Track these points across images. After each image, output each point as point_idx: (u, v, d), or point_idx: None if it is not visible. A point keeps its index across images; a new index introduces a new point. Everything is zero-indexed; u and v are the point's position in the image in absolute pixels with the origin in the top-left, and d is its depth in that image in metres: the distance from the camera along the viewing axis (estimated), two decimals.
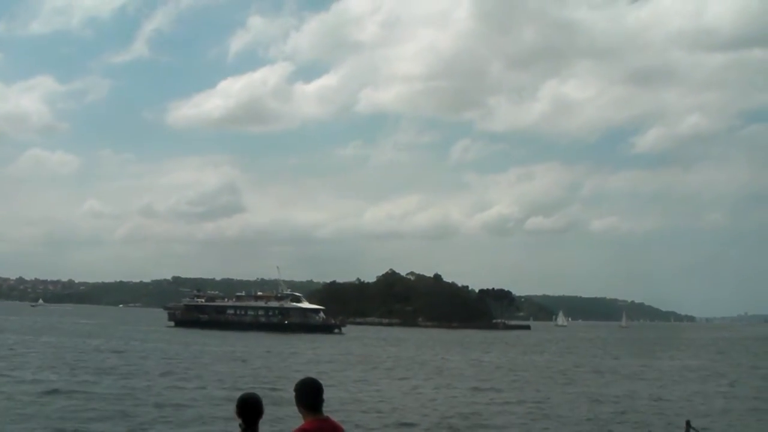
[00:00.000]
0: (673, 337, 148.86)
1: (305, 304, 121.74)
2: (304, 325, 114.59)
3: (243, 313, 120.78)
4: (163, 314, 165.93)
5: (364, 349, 76.65)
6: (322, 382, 5.58)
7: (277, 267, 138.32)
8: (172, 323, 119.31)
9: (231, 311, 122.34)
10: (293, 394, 5.50)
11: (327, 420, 5.44)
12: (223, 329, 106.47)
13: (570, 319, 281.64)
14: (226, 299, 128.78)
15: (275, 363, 51.36)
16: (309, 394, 5.44)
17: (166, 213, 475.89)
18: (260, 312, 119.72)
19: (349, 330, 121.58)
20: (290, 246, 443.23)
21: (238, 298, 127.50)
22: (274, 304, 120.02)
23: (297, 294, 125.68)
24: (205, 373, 41.49)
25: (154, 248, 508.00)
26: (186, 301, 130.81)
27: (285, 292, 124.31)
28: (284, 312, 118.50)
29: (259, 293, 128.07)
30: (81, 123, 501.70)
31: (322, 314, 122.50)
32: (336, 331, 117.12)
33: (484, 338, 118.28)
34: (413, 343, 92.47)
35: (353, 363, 54.67)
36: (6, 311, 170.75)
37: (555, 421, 27.32)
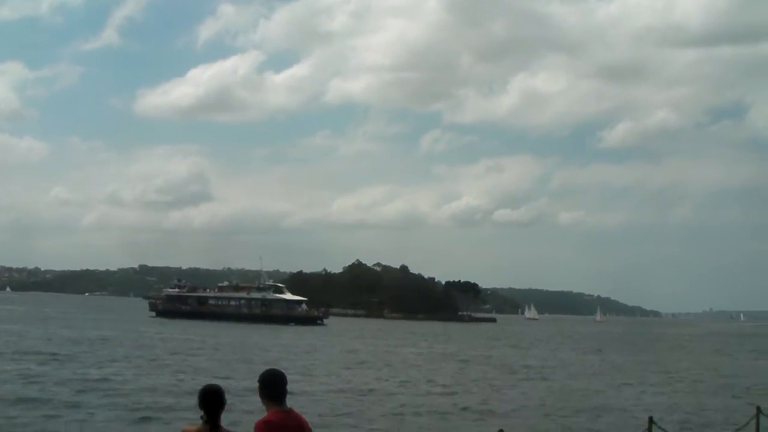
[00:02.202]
0: (650, 332, 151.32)
1: (288, 296, 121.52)
2: (287, 316, 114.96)
3: (225, 303, 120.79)
4: (137, 302, 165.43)
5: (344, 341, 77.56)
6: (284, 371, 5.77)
7: (260, 257, 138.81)
8: (153, 313, 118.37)
9: (213, 302, 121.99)
10: (257, 385, 5.62)
11: (290, 412, 5.54)
12: (204, 320, 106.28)
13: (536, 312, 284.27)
14: (207, 289, 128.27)
15: (263, 355, 51.14)
16: (272, 386, 5.55)
17: (133, 201, 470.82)
18: (242, 303, 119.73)
19: (330, 322, 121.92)
20: (257, 236, 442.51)
21: (220, 288, 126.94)
22: (256, 294, 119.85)
23: (279, 285, 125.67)
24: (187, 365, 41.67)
25: (120, 237, 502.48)
26: (167, 291, 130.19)
27: (267, 283, 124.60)
28: (267, 303, 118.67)
29: (241, 284, 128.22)
30: (50, 110, 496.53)
31: (304, 305, 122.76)
32: (319, 322, 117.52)
33: (467, 331, 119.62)
34: (412, 335, 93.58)
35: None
36: None
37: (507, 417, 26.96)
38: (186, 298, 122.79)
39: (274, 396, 5.54)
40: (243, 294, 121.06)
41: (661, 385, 41.12)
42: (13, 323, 77.39)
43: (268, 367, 5.96)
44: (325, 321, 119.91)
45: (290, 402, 5.71)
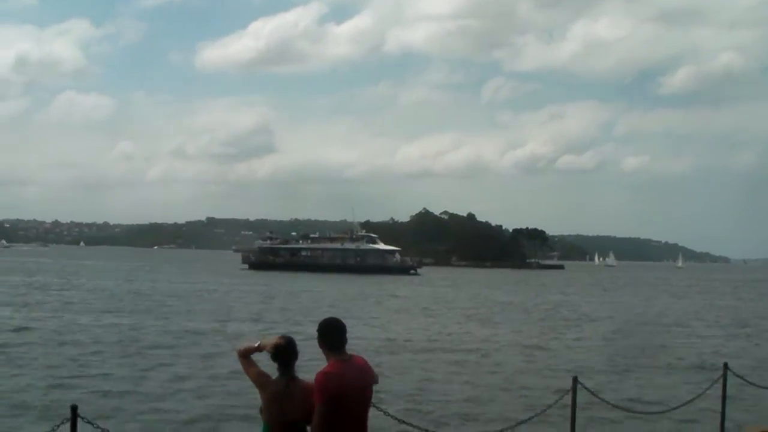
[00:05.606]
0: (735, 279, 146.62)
1: (381, 246, 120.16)
2: (381, 266, 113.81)
3: (319, 254, 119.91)
4: (219, 255, 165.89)
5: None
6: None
7: (352, 207, 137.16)
8: (246, 266, 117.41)
9: (305, 253, 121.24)
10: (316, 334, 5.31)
11: (351, 360, 5.30)
12: (298, 271, 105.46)
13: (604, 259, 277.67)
14: (300, 241, 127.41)
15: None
16: (331, 334, 5.32)
17: (198, 154, 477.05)
18: (337, 253, 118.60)
19: (424, 271, 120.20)
20: (322, 186, 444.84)
21: (313, 239, 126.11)
22: (350, 245, 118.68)
23: (373, 235, 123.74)
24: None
25: (186, 189, 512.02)
26: (259, 243, 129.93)
27: (360, 233, 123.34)
28: (361, 254, 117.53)
29: (334, 235, 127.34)
30: (114, 66, 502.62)
31: (398, 255, 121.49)
32: (412, 272, 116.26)
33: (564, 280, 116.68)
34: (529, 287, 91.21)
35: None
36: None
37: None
38: (278, 250, 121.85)
39: (333, 345, 5.28)
40: (337, 245, 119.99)
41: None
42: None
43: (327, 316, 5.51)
44: (419, 271, 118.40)
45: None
